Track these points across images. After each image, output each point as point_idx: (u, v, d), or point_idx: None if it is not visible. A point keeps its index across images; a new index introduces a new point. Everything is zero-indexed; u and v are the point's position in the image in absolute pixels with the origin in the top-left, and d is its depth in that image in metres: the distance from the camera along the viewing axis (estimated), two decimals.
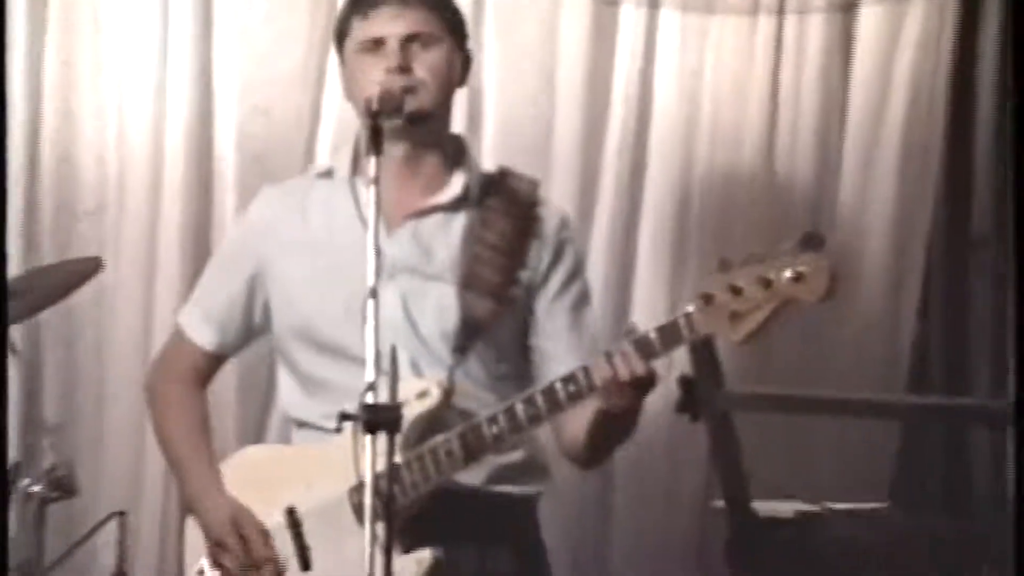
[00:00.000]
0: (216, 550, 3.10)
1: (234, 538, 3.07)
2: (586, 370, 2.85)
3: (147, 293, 4.24)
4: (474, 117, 4.29)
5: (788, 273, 2.69)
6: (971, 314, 4.51)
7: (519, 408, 2.90)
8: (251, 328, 3.23)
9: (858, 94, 4.45)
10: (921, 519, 4.07)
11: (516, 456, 3.08)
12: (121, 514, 3.76)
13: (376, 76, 3.03)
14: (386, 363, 2.66)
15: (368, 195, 2.92)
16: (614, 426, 3.00)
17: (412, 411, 2.83)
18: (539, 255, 3.11)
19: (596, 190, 4.38)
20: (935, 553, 3.73)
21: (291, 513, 3.05)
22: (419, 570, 2.88)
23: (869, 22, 4.44)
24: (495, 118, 4.33)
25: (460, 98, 3.33)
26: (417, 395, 2.90)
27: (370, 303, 2.66)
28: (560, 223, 3.17)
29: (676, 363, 3.83)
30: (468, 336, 3.03)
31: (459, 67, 3.13)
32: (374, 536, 2.58)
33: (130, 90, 4.24)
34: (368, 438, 2.61)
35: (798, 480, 4.05)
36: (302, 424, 3.15)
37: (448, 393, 2.96)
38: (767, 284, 2.71)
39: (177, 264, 4.20)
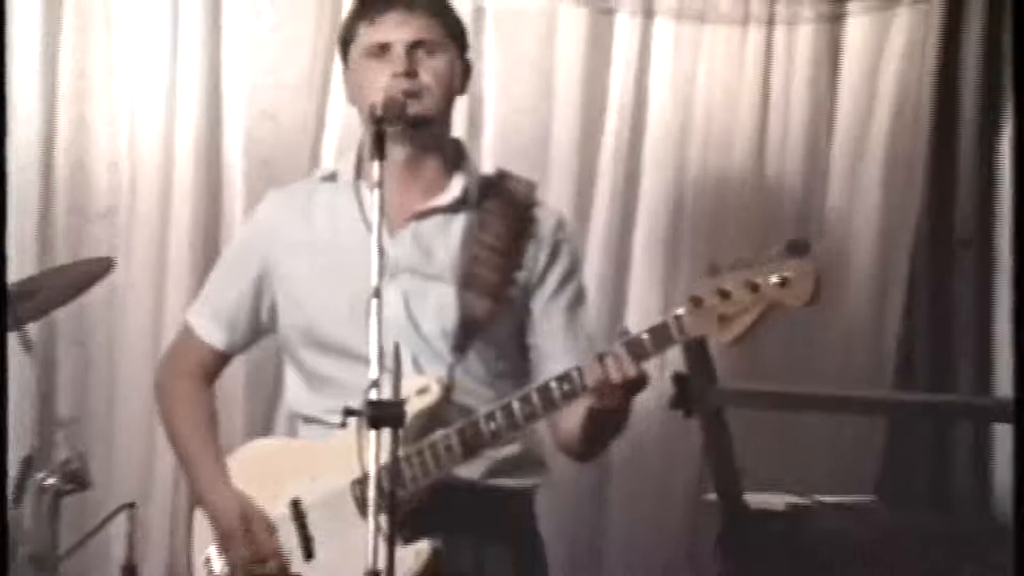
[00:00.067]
0: (224, 542, 3.11)
1: (241, 531, 3.07)
2: (580, 370, 2.86)
3: (158, 293, 4.25)
4: (474, 122, 4.30)
5: (774, 278, 2.71)
6: (954, 314, 4.52)
7: (516, 406, 2.91)
8: (258, 327, 3.24)
9: (845, 101, 4.48)
10: (906, 512, 4.08)
11: (513, 450, 3.08)
12: (132, 506, 3.73)
13: (381, 81, 3.04)
14: (389, 361, 2.67)
15: (371, 198, 2.94)
16: (606, 423, 3.00)
17: (413, 407, 2.83)
18: (536, 255, 3.12)
19: (592, 193, 4.39)
20: (919, 546, 3.74)
21: (296, 505, 3.06)
22: (418, 561, 2.89)
23: (856, 33, 4.47)
24: (495, 123, 4.34)
25: (461, 104, 3.33)
26: (418, 392, 2.91)
27: (374, 303, 2.67)
28: (556, 224, 3.17)
29: (670, 361, 3.89)
30: (467, 334, 3.04)
31: (460, 74, 3.13)
32: (377, 527, 2.59)
33: (141, 97, 4.25)
34: (372, 433, 2.63)
35: (788, 474, 4.04)
36: (308, 419, 3.15)
37: (448, 390, 2.97)
38: (754, 288, 2.73)
39: (187, 265, 4.21)
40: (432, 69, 3.07)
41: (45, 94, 4.21)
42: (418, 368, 3.01)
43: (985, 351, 4.49)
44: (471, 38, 3.40)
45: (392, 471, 2.65)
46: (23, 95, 4.20)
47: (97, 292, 3.99)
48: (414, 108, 3.02)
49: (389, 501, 2.63)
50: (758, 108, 4.43)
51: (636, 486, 4.38)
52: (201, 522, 3.19)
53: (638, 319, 4.18)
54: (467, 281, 3.06)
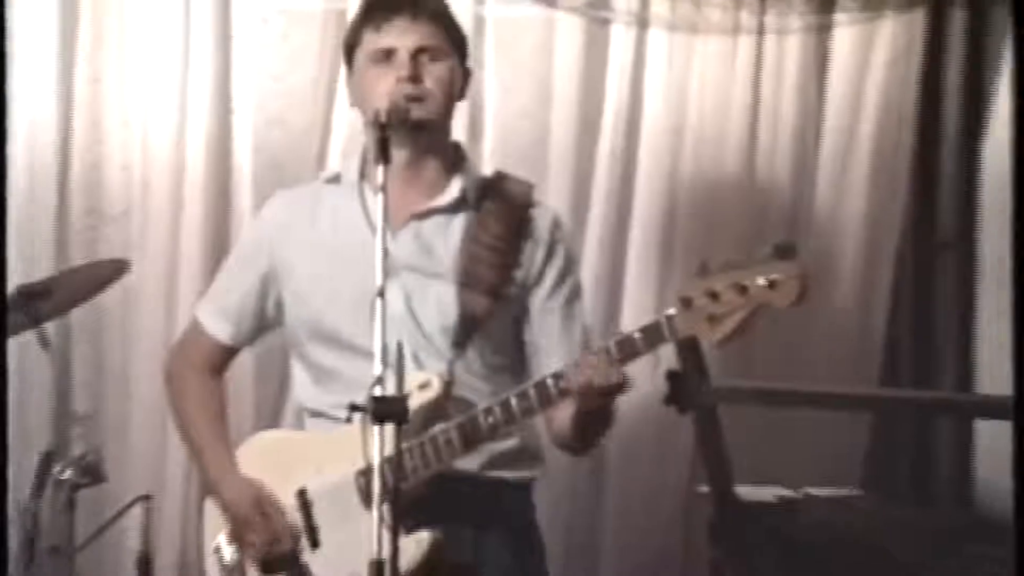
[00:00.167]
0: (239, 528, 3.12)
1: (256, 515, 3.09)
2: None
3: (170, 291, 4.27)
4: (476, 127, 4.30)
5: (762, 280, 2.73)
6: (937, 313, 4.51)
7: (513, 401, 2.93)
8: (264, 322, 3.26)
9: (833, 108, 4.47)
10: (891, 505, 4.08)
11: (511, 443, 3.10)
12: (146, 498, 3.74)
13: (385, 86, 3.05)
14: (392, 357, 2.68)
15: (374, 200, 2.96)
16: (592, 421, 3.02)
17: (414, 402, 2.83)
18: (533, 254, 3.13)
19: (589, 195, 4.39)
20: (903, 537, 3.74)
21: (302, 494, 3.08)
22: (419, 550, 2.90)
23: (843, 42, 4.46)
24: (495, 128, 4.35)
25: (463, 109, 3.34)
26: (419, 387, 2.93)
27: (378, 301, 2.68)
28: (553, 223, 3.19)
29: (664, 359, 3.90)
30: (466, 331, 3.06)
31: (461, 81, 3.15)
32: (381, 517, 2.61)
33: (154, 102, 4.27)
34: (376, 428, 2.64)
35: (778, 468, 4.06)
36: (314, 413, 3.17)
37: (448, 385, 2.98)
38: (742, 290, 2.75)
39: (198, 264, 4.23)
40: (435, 75, 3.08)
41: (61, 99, 4.24)
42: (419, 364, 3.02)
43: (967, 349, 4.49)
44: (472, 46, 3.41)
45: (395, 464, 2.66)
46: (40, 101, 4.23)
47: (112, 291, 4.00)
48: (417, 112, 3.04)
49: (393, 492, 2.64)
50: (748, 114, 4.43)
51: (631, 479, 4.38)
52: (211, 512, 3.22)
53: (633, 318, 4.20)
54: (466, 279, 3.08)
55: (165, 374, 3.36)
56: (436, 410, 2.97)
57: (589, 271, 4.32)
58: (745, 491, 3.81)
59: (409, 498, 2.82)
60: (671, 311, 2.83)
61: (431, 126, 3.09)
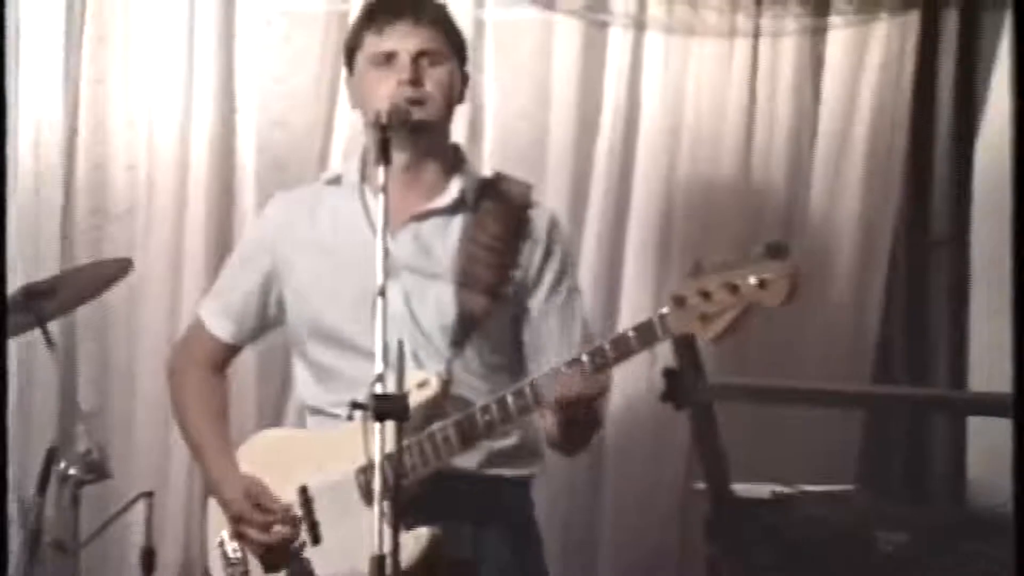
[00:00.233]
0: (238, 525, 3.12)
1: (251, 509, 3.09)
2: (572, 363, 2.89)
3: (174, 289, 4.28)
4: (475, 128, 4.31)
5: (753, 279, 2.74)
6: (930, 311, 4.51)
7: (509, 399, 2.93)
8: (265, 321, 3.26)
9: (827, 109, 4.47)
10: (885, 502, 4.08)
11: (510, 441, 3.10)
12: (150, 494, 3.75)
13: (386, 89, 3.05)
14: (392, 356, 2.69)
15: (374, 200, 2.99)
16: (576, 427, 3.02)
17: (413, 400, 2.81)
18: (531, 255, 3.13)
19: (587, 195, 4.40)
20: (897, 534, 3.75)
21: (303, 492, 3.08)
22: (418, 546, 2.90)
23: (837, 44, 4.46)
24: (494, 129, 4.35)
25: (463, 111, 3.34)
26: (418, 385, 2.93)
27: (379, 300, 2.69)
28: (550, 224, 3.19)
29: (661, 356, 3.91)
30: (465, 330, 3.06)
31: (460, 84, 3.15)
32: (382, 513, 2.61)
33: (158, 102, 4.28)
34: (377, 425, 2.64)
35: (773, 465, 4.02)
36: (315, 411, 3.17)
37: (447, 384, 2.99)
38: (734, 289, 2.75)
39: (202, 263, 4.24)
40: (435, 78, 3.09)
41: (66, 100, 4.25)
42: (418, 362, 3.02)
43: (960, 347, 4.49)
44: (472, 49, 3.43)
45: (396, 461, 2.66)
46: (45, 101, 4.24)
47: (116, 289, 4.01)
48: (417, 115, 3.04)
49: (394, 489, 2.65)
50: (744, 116, 4.43)
51: (628, 475, 4.39)
52: (215, 508, 3.21)
53: (630, 316, 4.20)
54: (465, 279, 3.08)
55: (167, 372, 3.36)
56: (434, 408, 2.97)
57: (587, 270, 4.33)
58: (740, 488, 3.80)
59: (408, 496, 2.81)
60: (664, 310, 2.83)
61: (431, 129, 3.09)
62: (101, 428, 4.14)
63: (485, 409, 2.95)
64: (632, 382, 4.34)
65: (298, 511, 3.09)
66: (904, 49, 4.48)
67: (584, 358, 2.89)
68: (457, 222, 3.14)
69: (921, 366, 4.51)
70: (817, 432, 4.35)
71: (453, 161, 3.19)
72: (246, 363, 4.12)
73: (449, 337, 3.07)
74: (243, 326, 3.27)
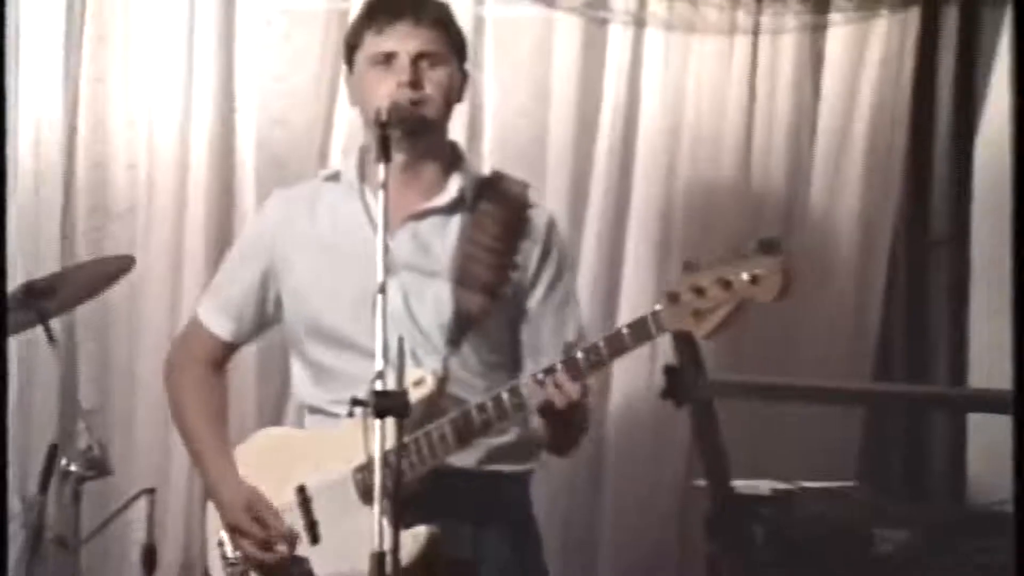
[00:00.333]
0: (233, 532, 3.11)
1: (248, 521, 3.07)
2: (566, 362, 2.88)
3: (174, 287, 4.27)
4: (475, 126, 4.31)
5: (746, 275, 2.72)
6: (930, 309, 4.52)
7: (505, 397, 2.91)
8: (263, 318, 3.23)
9: (827, 106, 4.48)
10: (885, 499, 4.08)
11: (508, 438, 3.08)
12: (151, 491, 3.77)
13: (386, 89, 3.03)
14: (392, 354, 2.67)
15: (374, 198, 2.98)
16: (562, 431, 3.02)
17: (410, 398, 2.78)
18: (529, 255, 3.11)
19: (587, 193, 4.40)
20: (897, 531, 3.74)
21: (302, 491, 3.06)
22: (416, 544, 2.88)
23: (837, 41, 4.47)
24: (494, 127, 4.35)
25: (462, 109, 3.33)
26: (414, 383, 2.89)
27: (379, 298, 2.67)
28: (548, 224, 3.16)
29: (662, 354, 3.91)
30: (462, 329, 3.04)
31: (459, 84, 3.13)
32: (382, 511, 2.60)
33: (158, 101, 4.28)
34: (378, 422, 2.63)
35: (773, 462, 4.04)
36: (313, 410, 3.15)
37: (443, 381, 2.97)
38: (727, 285, 2.74)
39: (202, 260, 4.24)
40: (434, 80, 3.06)
41: (66, 99, 4.24)
42: (416, 361, 3.00)
43: (959, 344, 4.49)
44: (472, 46, 3.41)
45: (396, 458, 2.64)
46: (46, 100, 4.24)
47: (117, 287, 4.01)
48: (416, 117, 3.02)
49: (393, 486, 2.63)
50: (744, 113, 4.43)
51: (629, 472, 4.38)
52: (214, 507, 3.18)
53: (630, 314, 4.11)
54: (463, 278, 3.06)
55: (165, 371, 3.33)
56: (431, 406, 2.95)
57: (587, 268, 4.34)
58: (741, 484, 3.80)
59: (407, 493, 2.77)
60: (658, 306, 2.83)
61: (430, 129, 3.08)
62: (102, 426, 4.12)
63: (481, 407, 2.94)
64: (632, 379, 4.34)
65: (297, 510, 3.07)
66: (904, 46, 4.49)
67: (559, 366, 2.88)
68: (456, 221, 3.12)
69: (921, 364, 4.52)
70: (817, 429, 4.34)
71: (451, 159, 3.17)
72: (246, 361, 4.13)
73: (447, 335, 3.05)
74: (242, 324, 3.25)
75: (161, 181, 4.29)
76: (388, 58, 3.07)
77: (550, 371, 2.88)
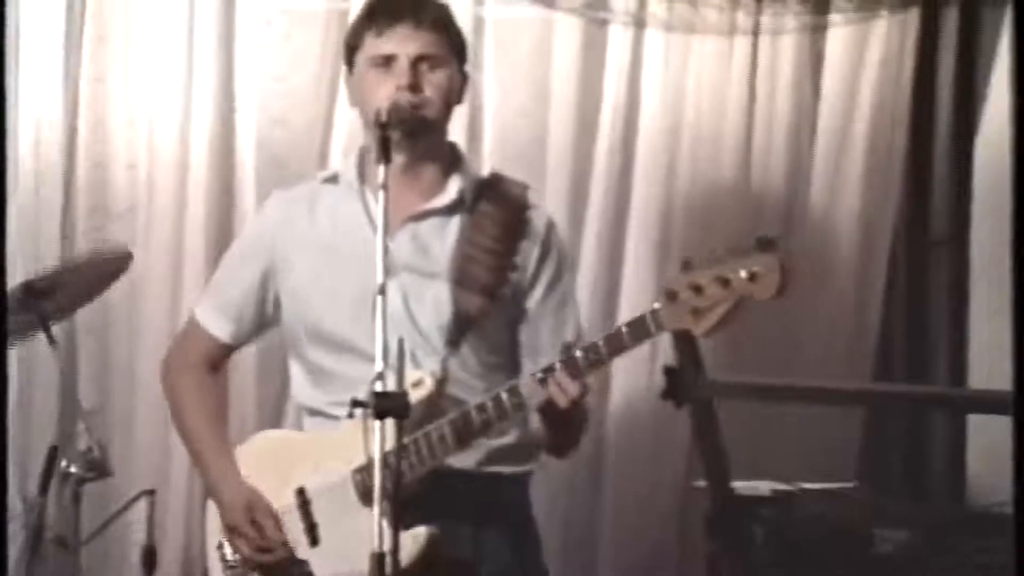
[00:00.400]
0: (231, 533, 3.11)
1: (247, 525, 3.07)
2: (563, 359, 2.88)
3: (174, 288, 4.27)
4: (475, 127, 4.30)
5: (744, 273, 2.73)
6: (931, 308, 4.52)
7: (504, 397, 2.91)
8: (262, 320, 3.22)
9: (827, 107, 4.47)
10: (885, 499, 4.07)
11: (508, 439, 3.08)
12: (151, 492, 3.76)
13: (385, 91, 3.02)
14: (391, 355, 2.66)
15: (373, 199, 2.98)
16: (562, 430, 3.03)
17: (409, 399, 2.78)
18: (528, 255, 3.11)
19: (587, 194, 4.39)
20: (897, 532, 3.75)
21: (301, 493, 3.06)
22: (415, 545, 2.88)
23: (837, 42, 4.46)
24: (494, 128, 4.35)
25: (462, 109, 3.33)
26: (413, 384, 2.89)
27: (379, 299, 2.66)
28: (547, 225, 3.16)
29: (662, 354, 3.92)
30: (461, 329, 3.04)
31: (459, 86, 3.12)
32: (383, 512, 2.59)
33: (159, 102, 4.27)
34: (378, 423, 2.62)
35: (774, 461, 4.05)
36: (312, 412, 3.15)
37: (441, 383, 2.97)
38: (725, 283, 2.75)
39: (202, 261, 4.23)
40: (434, 83, 3.06)
41: (67, 99, 4.24)
42: (416, 362, 2.99)
43: (960, 345, 4.49)
44: (472, 47, 3.41)
45: (397, 459, 2.64)
46: (46, 100, 4.23)
47: (117, 287, 4.00)
48: (415, 120, 3.01)
49: (393, 487, 2.63)
50: (744, 113, 4.43)
51: (629, 472, 4.38)
52: (214, 509, 3.19)
53: (630, 315, 4.16)
54: (462, 279, 3.06)
55: (162, 373, 3.32)
56: (430, 407, 2.95)
57: (587, 268, 4.34)
58: (741, 485, 3.80)
59: (406, 494, 2.77)
60: (656, 305, 2.83)
61: (429, 131, 3.07)
62: (102, 426, 4.12)
63: (480, 407, 2.93)
64: (632, 380, 4.34)
65: (296, 513, 3.07)
66: (904, 46, 4.48)
67: (558, 365, 2.88)
68: (455, 222, 3.11)
69: (921, 364, 4.52)
70: (817, 430, 4.34)
71: (451, 160, 3.16)
72: (246, 362, 4.13)
73: (446, 336, 3.05)
74: (241, 325, 3.24)
75: (161, 181, 4.29)
76: (387, 60, 3.06)
77: (549, 370, 2.88)
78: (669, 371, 3.58)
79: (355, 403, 2.70)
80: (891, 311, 4.52)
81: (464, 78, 3.15)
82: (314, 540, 3.06)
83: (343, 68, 3.23)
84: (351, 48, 3.15)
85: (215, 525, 3.18)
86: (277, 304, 3.20)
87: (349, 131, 4.20)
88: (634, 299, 4.38)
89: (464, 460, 3.02)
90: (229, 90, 4.31)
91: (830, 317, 4.48)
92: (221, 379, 3.30)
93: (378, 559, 2.60)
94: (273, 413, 4.19)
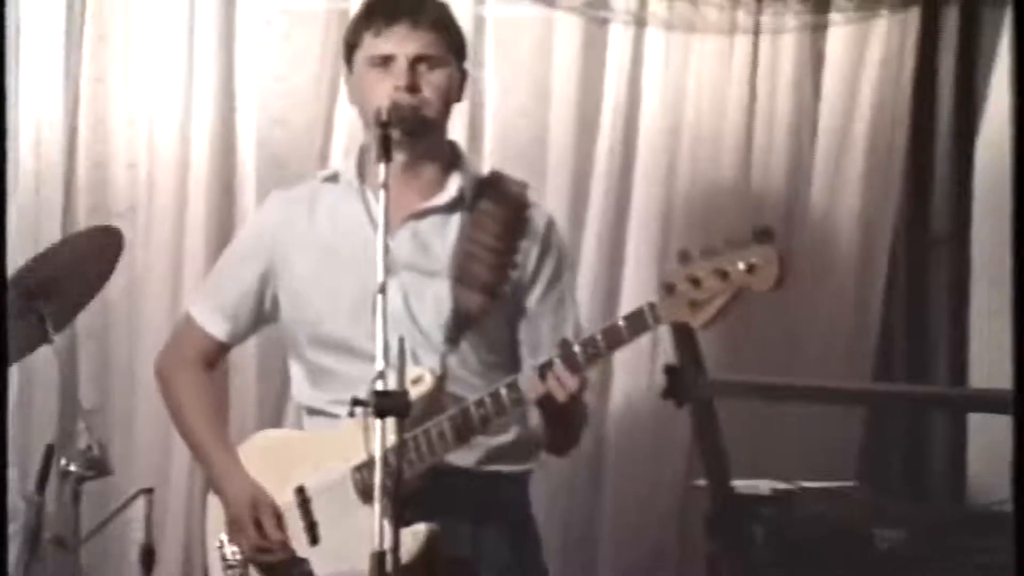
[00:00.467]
0: (234, 528, 3.11)
1: (250, 521, 3.07)
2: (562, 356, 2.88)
3: (174, 288, 4.26)
4: (475, 126, 4.30)
5: (742, 265, 2.73)
6: (931, 308, 4.51)
7: (503, 392, 2.91)
8: (260, 319, 3.23)
9: (827, 106, 4.47)
10: (885, 499, 4.07)
11: (507, 437, 3.09)
12: (150, 491, 3.73)
13: (384, 91, 3.02)
14: (392, 354, 2.67)
15: (374, 198, 2.98)
16: (561, 425, 3.04)
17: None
18: (528, 253, 3.11)
19: (587, 193, 4.39)
20: (898, 530, 3.75)
21: (301, 492, 3.07)
22: (415, 542, 2.88)
23: (838, 41, 4.45)
24: (494, 127, 4.34)
25: (463, 108, 3.34)
26: (412, 381, 2.88)
27: (379, 298, 2.66)
28: (547, 223, 3.17)
29: (662, 353, 3.91)
30: (461, 327, 3.04)
31: (458, 85, 3.12)
32: (384, 509, 2.60)
33: (159, 102, 4.27)
34: (379, 422, 2.62)
35: (774, 461, 4.05)
36: (312, 411, 3.16)
37: (441, 379, 2.97)
38: (723, 275, 2.75)
39: (202, 260, 4.21)
40: (433, 82, 3.06)
41: (67, 99, 4.23)
42: (416, 360, 2.99)
43: (960, 344, 4.49)
44: (472, 46, 3.41)
45: (398, 457, 2.64)
46: (46, 100, 4.23)
47: (117, 287, 4.01)
48: (414, 120, 3.01)
49: (394, 485, 2.63)
50: (745, 112, 4.42)
51: (629, 472, 4.37)
52: (214, 508, 3.20)
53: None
54: (463, 276, 3.06)
55: (157, 370, 3.32)
56: (430, 404, 2.95)
57: (587, 268, 4.34)
58: (741, 484, 3.80)
59: (405, 492, 2.76)
60: (654, 299, 2.82)
61: (429, 130, 3.07)
62: (102, 425, 4.11)
63: (479, 403, 2.93)
64: (633, 379, 4.34)
65: (296, 511, 3.07)
66: (904, 46, 4.48)
67: (557, 360, 2.87)
68: (455, 220, 3.11)
69: (921, 364, 4.51)
70: (817, 429, 4.34)
71: (451, 159, 3.16)
72: (247, 363, 4.14)
73: (446, 334, 3.05)
74: (238, 324, 3.24)
75: (161, 181, 4.28)
76: (386, 61, 3.06)
77: (548, 364, 2.88)
78: (669, 370, 3.58)
79: (356, 402, 2.70)
80: (891, 310, 4.51)
81: (463, 76, 3.15)
82: (314, 539, 3.06)
83: (343, 67, 3.22)
84: (350, 47, 3.15)
85: (215, 524, 3.18)
86: (275, 303, 3.20)
87: (349, 131, 4.19)
88: (634, 299, 4.30)
89: (464, 458, 3.02)
90: (229, 90, 4.30)
91: (830, 316, 4.47)
92: (217, 376, 3.31)
93: (378, 558, 2.60)
94: (273, 413, 4.18)
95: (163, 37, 4.27)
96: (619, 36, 4.40)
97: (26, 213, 4.19)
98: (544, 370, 2.88)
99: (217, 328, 3.24)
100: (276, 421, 4.08)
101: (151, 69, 4.27)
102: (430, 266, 3.08)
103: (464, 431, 2.94)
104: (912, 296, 4.52)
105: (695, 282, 2.77)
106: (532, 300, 3.13)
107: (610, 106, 4.40)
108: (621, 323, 2.86)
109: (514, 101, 4.37)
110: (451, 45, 3.12)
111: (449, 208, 3.12)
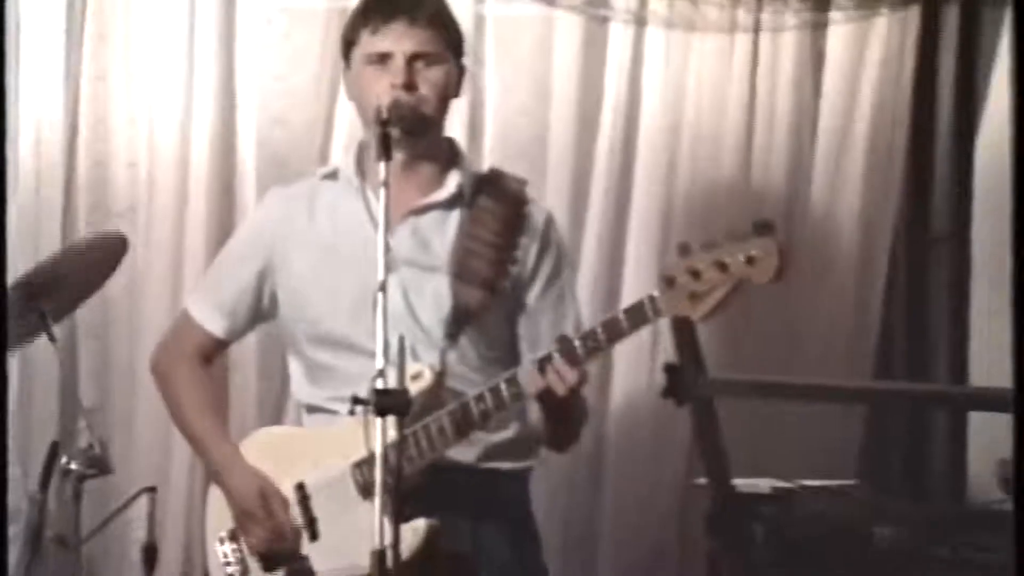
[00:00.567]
0: (243, 521, 3.10)
1: (261, 508, 3.07)
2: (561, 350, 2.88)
3: (175, 286, 4.26)
4: (475, 124, 4.30)
5: (741, 257, 2.73)
6: (931, 307, 4.52)
7: (503, 387, 2.92)
8: (258, 316, 3.23)
9: (827, 105, 4.47)
10: (886, 497, 4.08)
11: (507, 434, 3.09)
12: (151, 489, 3.72)
13: (381, 89, 3.02)
14: (392, 352, 2.67)
15: (374, 196, 2.98)
16: (561, 420, 3.04)
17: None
18: (527, 249, 3.11)
19: (587, 191, 4.39)
20: (897, 529, 3.75)
21: (300, 488, 3.07)
22: (415, 538, 2.88)
23: (838, 40, 4.45)
24: (494, 126, 4.34)
25: (463, 107, 3.34)
26: (412, 377, 2.88)
27: (379, 295, 2.67)
28: (546, 220, 3.17)
29: (662, 352, 3.92)
30: (460, 323, 3.04)
31: (456, 81, 3.12)
32: (384, 506, 2.60)
33: (159, 101, 4.27)
34: (379, 420, 2.63)
35: (774, 459, 4.05)
36: (311, 408, 3.16)
37: (440, 375, 2.97)
38: (723, 267, 2.75)
39: (202, 259, 4.21)
40: (430, 80, 3.05)
41: (68, 98, 4.23)
42: (416, 356, 2.99)
43: (960, 342, 4.49)
44: (472, 45, 3.41)
45: (398, 453, 2.64)
46: (46, 99, 4.23)
47: (117, 285, 4.01)
48: (412, 118, 3.01)
49: (394, 482, 2.63)
50: (745, 111, 4.42)
51: (629, 471, 4.37)
52: (213, 504, 3.20)
53: None
54: (462, 272, 3.06)
55: (153, 366, 3.33)
56: (430, 400, 2.95)
57: (587, 267, 4.34)
58: (741, 483, 3.80)
59: (405, 487, 2.76)
60: (654, 291, 2.83)
61: (428, 128, 3.07)
62: (102, 424, 4.11)
63: (479, 398, 2.93)
64: (633, 378, 4.34)
65: (296, 508, 3.07)
66: (904, 45, 4.48)
67: (556, 353, 2.88)
68: (455, 216, 3.12)
69: (921, 362, 4.51)
70: (817, 428, 4.33)
71: (449, 156, 3.17)
72: (247, 360, 4.14)
73: (445, 330, 3.05)
74: (236, 321, 3.24)
75: (162, 180, 4.28)
76: (383, 58, 3.06)
77: (547, 358, 2.88)
78: (670, 369, 3.58)
79: (356, 400, 2.70)
80: (891, 309, 4.51)
81: (461, 72, 3.15)
82: (314, 535, 3.06)
83: (343, 65, 3.22)
84: (347, 43, 3.15)
85: (215, 522, 3.18)
86: (273, 300, 3.20)
87: (350, 130, 4.19)
88: (635, 297, 4.27)
89: (463, 455, 3.03)
90: (230, 89, 4.30)
91: (830, 315, 4.47)
92: (217, 374, 3.32)
93: (379, 554, 2.60)
94: (274, 410, 4.18)
95: (163, 36, 4.27)
96: (619, 34, 4.40)
97: (26, 213, 4.19)
98: (543, 363, 2.88)
99: (215, 325, 3.24)
100: (276, 419, 4.09)
101: (151, 68, 4.27)
102: (430, 262, 3.08)
103: (464, 426, 2.94)
104: (912, 295, 4.52)
105: (695, 274, 2.77)
106: (532, 296, 3.13)
107: (610, 105, 4.40)
108: (621, 316, 2.87)
109: (514, 100, 4.37)
110: (448, 41, 3.11)
111: (448, 204, 3.12)
